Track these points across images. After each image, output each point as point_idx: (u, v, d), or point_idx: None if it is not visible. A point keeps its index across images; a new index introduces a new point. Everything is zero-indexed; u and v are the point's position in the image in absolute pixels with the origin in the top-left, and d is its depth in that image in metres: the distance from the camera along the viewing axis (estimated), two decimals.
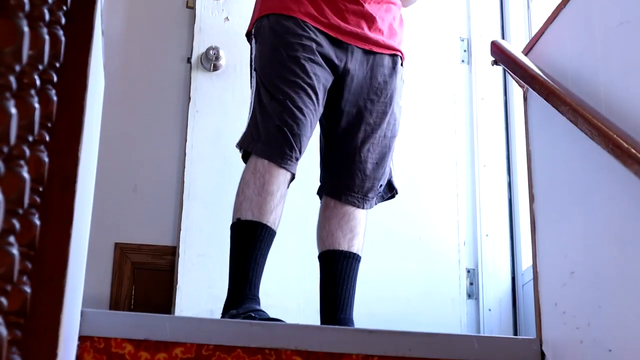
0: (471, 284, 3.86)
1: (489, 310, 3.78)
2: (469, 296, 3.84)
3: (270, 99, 3.19)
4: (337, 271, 3.28)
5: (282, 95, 3.16)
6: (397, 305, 3.75)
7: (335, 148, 3.37)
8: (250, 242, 3.13)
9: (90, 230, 3.56)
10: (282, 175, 3.17)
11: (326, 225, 3.34)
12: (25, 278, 1.59)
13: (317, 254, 3.33)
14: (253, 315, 2.93)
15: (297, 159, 3.19)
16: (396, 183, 3.43)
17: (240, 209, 3.18)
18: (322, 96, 3.23)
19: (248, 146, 3.24)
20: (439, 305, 3.77)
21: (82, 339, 2.65)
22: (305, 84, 3.18)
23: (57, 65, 1.74)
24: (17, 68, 1.22)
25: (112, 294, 3.83)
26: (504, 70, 3.76)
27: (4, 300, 1.32)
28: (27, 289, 1.58)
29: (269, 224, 3.13)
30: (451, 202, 3.95)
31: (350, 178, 3.30)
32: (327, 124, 3.40)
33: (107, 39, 4.02)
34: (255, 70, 3.32)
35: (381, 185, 3.36)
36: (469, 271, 3.87)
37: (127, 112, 4.04)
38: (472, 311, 3.82)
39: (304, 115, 3.16)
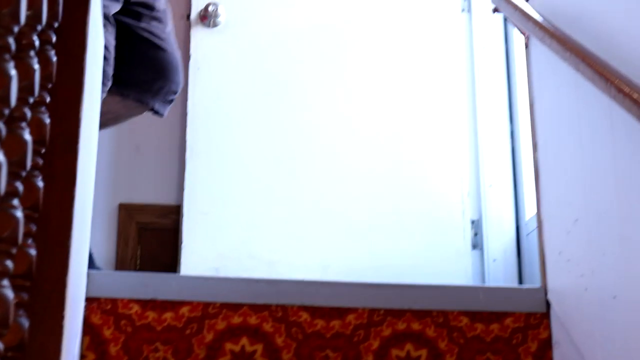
0: (475, 234, 3.86)
1: (494, 260, 3.79)
2: (474, 247, 3.84)
3: None
4: None
5: None
6: (401, 258, 3.75)
7: None
8: None
9: (95, 191, 3.57)
10: None
11: None
12: (30, 240, 1.59)
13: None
14: None
15: None
16: None
17: None
18: None
19: None
20: (443, 256, 3.78)
21: (89, 300, 2.66)
22: None
23: (56, 25, 1.72)
24: (16, 29, 1.22)
25: (118, 255, 3.85)
26: (505, 18, 3.74)
27: (9, 263, 1.33)
28: (32, 252, 1.58)
29: None
30: (454, 154, 3.94)
31: None
32: None
33: None
34: None
35: None
36: (473, 222, 3.87)
37: None
38: (477, 262, 3.83)
39: None
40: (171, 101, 3.45)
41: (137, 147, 4.00)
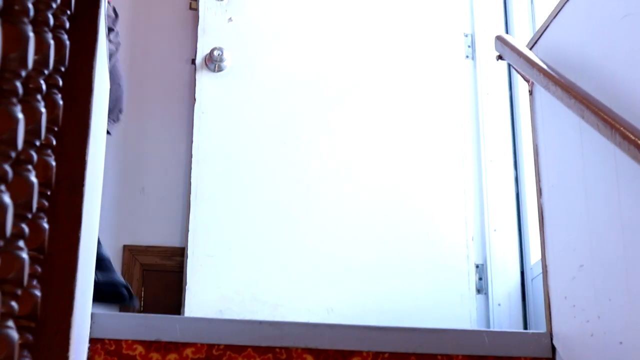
0: (480, 279, 3.85)
1: (499, 305, 3.78)
2: (478, 291, 3.83)
3: None
4: None
5: None
6: (406, 302, 3.75)
7: None
8: None
9: (99, 233, 3.57)
10: None
11: None
12: (35, 282, 1.59)
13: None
14: None
15: None
16: None
17: None
18: None
19: None
20: (448, 300, 3.77)
21: (92, 341, 2.66)
22: None
23: (63, 69, 1.73)
24: (23, 73, 1.22)
25: None
26: (509, 65, 3.76)
27: (14, 305, 1.32)
28: (38, 293, 1.58)
29: None
30: (459, 198, 3.94)
31: None
32: None
33: None
34: None
35: None
36: (477, 266, 3.87)
37: (133, 114, 4.05)
38: (482, 306, 3.82)
39: None
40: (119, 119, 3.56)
41: (142, 189, 4.01)
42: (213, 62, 3.97)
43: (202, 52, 4.01)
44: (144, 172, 4.02)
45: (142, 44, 4.18)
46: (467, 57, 4.17)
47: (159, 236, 3.96)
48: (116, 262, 3.88)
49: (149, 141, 4.05)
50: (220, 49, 3.97)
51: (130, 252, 3.91)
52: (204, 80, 3.97)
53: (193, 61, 4.06)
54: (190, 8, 4.16)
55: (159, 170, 4.01)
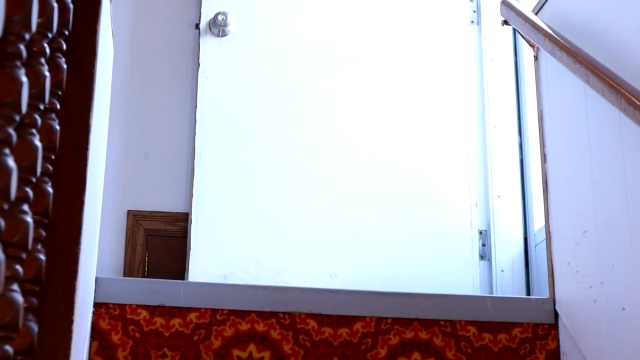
0: (483, 245, 3.86)
1: (502, 271, 3.79)
2: (482, 257, 3.84)
3: None
4: None
5: None
6: (409, 268, 3.76)
7: None
8: None
9: (103, 198, 3.58)
10: None
11: None
12: (39, 246, 1.60)
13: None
14: None
15: None
16: None
17: None
18: None
19: None
20: (451, 267, 3.78)
21: (97, 305, 2.68)
22: None
23: (66, 33, 1.73)
24: (27, 36, 1.22)
25: (126, 261, 3.85)
26: (514, 31, 3.75)
27: (19, 268, 1.33)
28: (42, 257, 1.58)
29: None
30: (462, 164, 3.94)
31: None
32: None
33: (116, 6, 4.03)
34: None
35: None
36: (481, 232, 3.87)
37: (137, 79, 4.04)
38: (485, 272, 3.83)
39: None
40: None
41: (146, 154, 4.01)
42: (217, 26, 3.96)
43: (206, 17, 4.00)
44: (148, 138, 4.02)
45: (145, 8, 4.17)
46: (472, 22, 4.16)
47: (163, 201, 3.97)
48: (120, 228, 3.90)
49: (153, 106, 4.05)
50: (225, 14, 3.96)
51: (135, 217, 3.92)
52: (208, 45, 3.97)
53: (197, 26, 4.04)
54: None
55: (163, 135, 4.01)
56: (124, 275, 3.81)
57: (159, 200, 3.97)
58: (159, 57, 4.11)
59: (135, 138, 4.00)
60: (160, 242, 3.90)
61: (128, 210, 3.93)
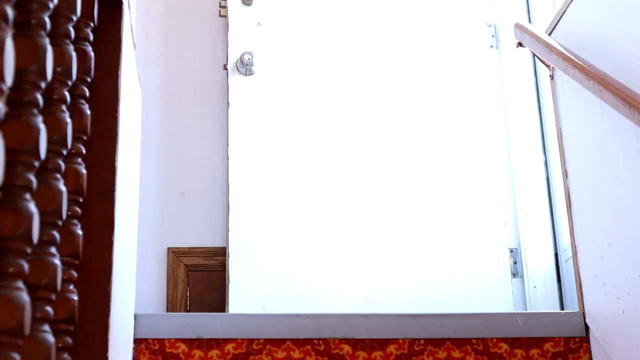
0: (515, 263, 3.89)
1: (535, 287, 3.81)
2: (514, 275, 3.87)
3: None
4: None
5: None
6: (443, 288, 3.79)
7: None
8: None
9: (144, 236, 3.67)
10: None
11: None
12: (72, 286, 1.64)
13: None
14: None
15: None
16: None
17: None
18: None
19: None
20: (485, 285, 3.81)
21: (137, 341, 2.74)
22: None
23: (89, 80, 1.79)
24: (43, 85, 1.26)
25: (169, 297, 3.93)
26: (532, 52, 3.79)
27: (49, 309, 1.37)
28: (74, 297, 1.63)
29: None
30: (490, 185, 3.98)
31: None
32: None
33: (147, 53, 4.14)
34: None
35: None
36: (511, 251, 3.90)
37: (170, 121, 4.15)
38: (518, 289, 3.85)
39: None
40: None
41: (183, 192, 4.10)
42: (244, 66, 4.04)
43: (233, 57, 4.08)
44: (184, 177, 4.11)
45: (175, 52, 4.27)
46: (492, 46, 4.21)
47: (201, 237, 4.05)
48: (161, 264, 3.98)
49: (187, 146, 4.14)
50: (250, 53, 4.05)
51: (175, 254, 4.00)
52: (236, 84, 4.05)
53: (225, 66, 4.13)
54: (220, 15, 4.23)
55: (198, 173, 4.11)
56: (167, 311, 3.89)
57: (197, 236, 4.05)
58: (190, 98, 4.21)
59: (172, 177, 4.09)
60: (200, 276, 3.98)
61: (168, 248, 4.01)
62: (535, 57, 3.99)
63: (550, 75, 3.07)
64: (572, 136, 2.91)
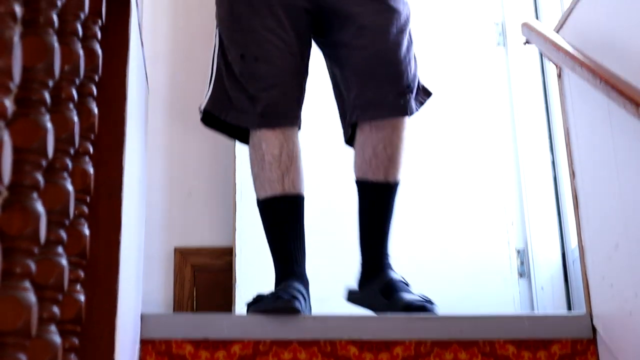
0: (522, 263, 3.88)
1: (542, 288, 3.80)
2: (521, 275, 3.86)
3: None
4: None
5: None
6: (450, 289, 3.78)
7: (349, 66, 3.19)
8: (274, 219, 3.11)
9: (151, 236, 3.66)
10: (279, 134, 3.11)
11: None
12: (78, 287, 1.64)
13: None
14: (269, 296, 2.92)
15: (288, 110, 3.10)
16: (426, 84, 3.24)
17: (256, 191, 3.14)
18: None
19: (221, 113, 3.14)
20: (491, 285, 3.80)
21: (143, 342, 2.73)
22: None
23: (97, 78, 1.78)
24: (50, 83, 1.26)
25: (175, 297, 3.93)
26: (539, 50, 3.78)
27: (56, 310, 1.37)
28: (81, 297, 1.63)
29: (285, 193, 3.08)
30: (497, 184, 3.98)
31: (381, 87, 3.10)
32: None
33: (155, 53, 4.13)
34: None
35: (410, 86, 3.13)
36: (518, 251, 3.89)
37: (177, 122, 4.14)
38: (525, 290, 3.84)
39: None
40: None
41: (190, 192, 4.10)
42: None
43: None
44: (191, 176, 4.10)
45: (182, 51, 4.27)
46: (499, 44, 4.21)
47: (208, 237, 4.04)
48: (168, 264, 3.97)
49: (193, 147, 4.13)
50: None
51: (181, 253, 4.00)
52: None
53: None
54: None
55: (205, 173, 4.10)
56: (174, 311, 3.88)
57: (204, 236, 4.05)
58: (196, 98, 4.20)
59: (178, 177, 4.09)
60: (207, 276, 3.97)
61: (175, 248, 4.01)
62: (543, 56, 3.98)
63: (557, 74, 3.06)
64: (579, 136, 2.90)
